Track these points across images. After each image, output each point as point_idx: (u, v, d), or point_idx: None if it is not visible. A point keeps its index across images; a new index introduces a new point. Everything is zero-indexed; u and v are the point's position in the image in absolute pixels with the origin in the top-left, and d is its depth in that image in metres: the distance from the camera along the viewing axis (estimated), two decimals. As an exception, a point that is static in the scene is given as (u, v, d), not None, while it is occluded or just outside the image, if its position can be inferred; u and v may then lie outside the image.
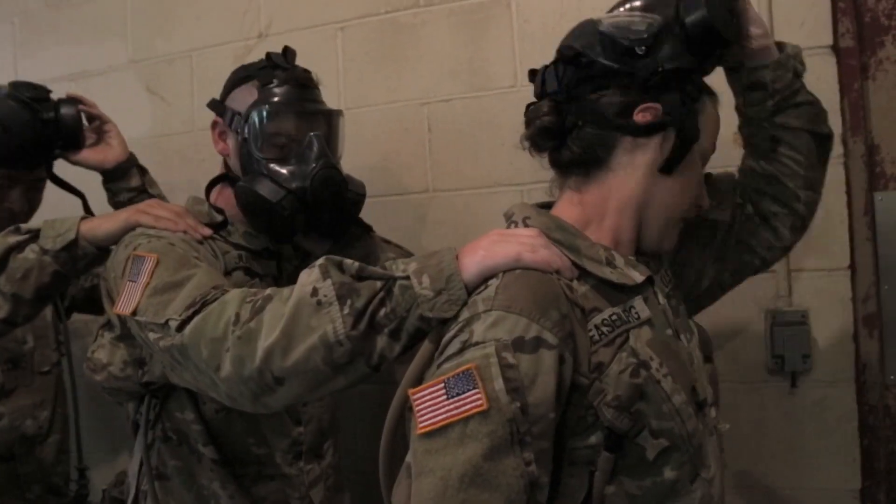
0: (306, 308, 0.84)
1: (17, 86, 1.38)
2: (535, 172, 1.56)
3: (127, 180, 1.51)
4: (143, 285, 1.00)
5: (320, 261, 0.87)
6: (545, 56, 1.01)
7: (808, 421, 1.47)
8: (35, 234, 1.16)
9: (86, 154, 1.46)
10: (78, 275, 1.23)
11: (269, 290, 0.91)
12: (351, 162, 1.37)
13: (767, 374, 1.48)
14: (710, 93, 0.96)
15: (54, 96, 1.93)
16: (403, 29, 1.72)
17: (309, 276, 0.86)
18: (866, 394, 1.45)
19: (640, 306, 0.87)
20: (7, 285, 1.14)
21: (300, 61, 1.78)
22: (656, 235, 0.94)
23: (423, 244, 1.68)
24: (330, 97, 1.38)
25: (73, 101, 1.44)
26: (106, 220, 1.18)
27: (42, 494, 1.55)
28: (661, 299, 0.93)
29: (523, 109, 1.01)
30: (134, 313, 0.99)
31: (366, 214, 1.66)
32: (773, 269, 1.44)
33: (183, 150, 1.92)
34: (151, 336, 0.97)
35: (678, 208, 0.94)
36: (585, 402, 0.79)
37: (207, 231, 1.19)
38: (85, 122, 1.49)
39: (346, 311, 0.83)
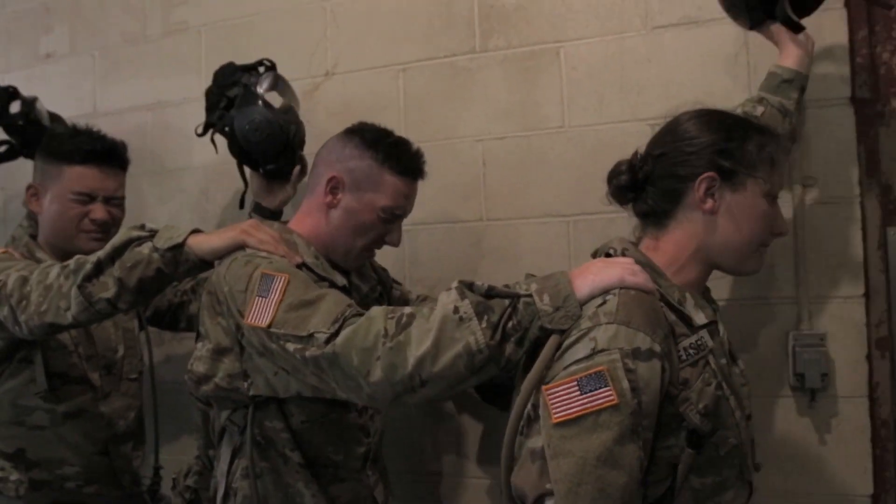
0: (450, 323, 1.02)
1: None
2: (581, 205, 1.78)
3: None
4: (276, 301, 1.16)
5: (455, 284, 1.05)
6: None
7: (826, 433, 1.63)
8: (153, 234, 1.32)
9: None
10: (177, 278, 1.35)
11: (408, 309, 1.08)
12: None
13: (790, 390, 1.65)
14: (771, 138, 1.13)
15: (132, 124, 2.16)
16: (461, 72, 1.90)
17: (448, 297, 1.04)
18: (878, 409, 1.61)
19: (706, 338, 1.05)
20: (118, 270, 1.29)
21: (365, 99, 1.98)
22: (733, 265, 1.13)
23: (477, 267, 1.86)
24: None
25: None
26: (213, 236, 1.31)
27: (129, 485, 1.71)
28: (722, 331, 1.11)
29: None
30: (269, 326, 1.14)
31: (425, 239, 1.85)
32: (796, 296, 1.63)
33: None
34: (290, 346, 1.12)
35: (745, 240, 1.10)
36: (672, 410, 0.98)
37: (299, 258, 1.33)
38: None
39: (484, 324, 1.00)
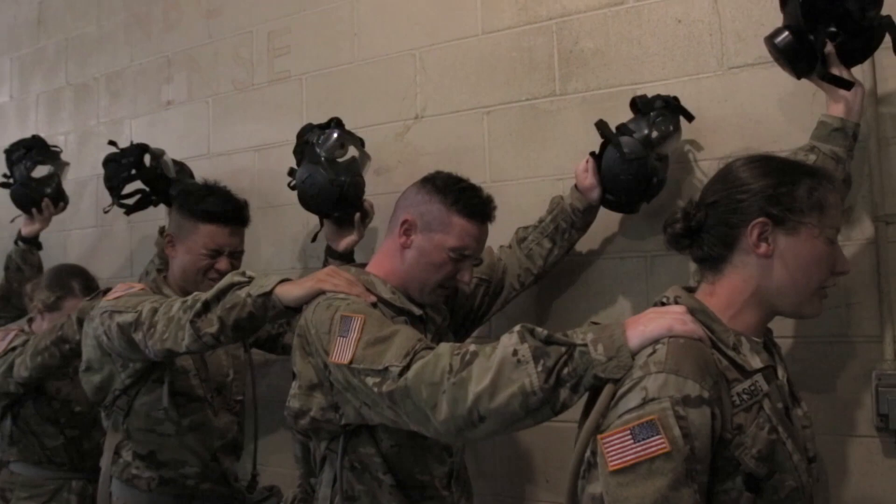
0: (508, 364, 1.10)
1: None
2: (659, 241, 1.82)
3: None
4: (355, 340, 1.28)
5: (517, 328, 1.14)
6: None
7: (913, 474, 1.61)
8: (251, 280, 1.49)
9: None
10: (265, 322, 1.52)
11: (472, 347, 1.18)
12: (495, 227, 1.63)
13: (875, 431, 1.63)
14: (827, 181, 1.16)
15: (240, 164, 2.37)
16: (542, 114, 1.99)
17: (510, 340, 1.13)
18: (969, 452, 1.58)
19: (761, 382, 1.09)
20: (220, 310, 1.47)
21: (451, 140, 2.10)
22: (792, 308, 1.16)
23: (557, 300, 1.94)
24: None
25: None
26: (297, 285, 1.46)
27: (234, 484, 1.98)
28: (781, 374, 1.15)
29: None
30: (350, 362, 1.27)
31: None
32: (879, 334, 1.61)
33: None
34: (369, 381, 1.24)
35: (802, 283, 1.13)
36: (727, 454, 1.02)
37: (373, 298, 1.45)
38: None
39: (540, 368, 1.08)
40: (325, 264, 2.01)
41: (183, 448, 1.86)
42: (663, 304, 1.17)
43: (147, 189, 2.36)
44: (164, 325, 1.53)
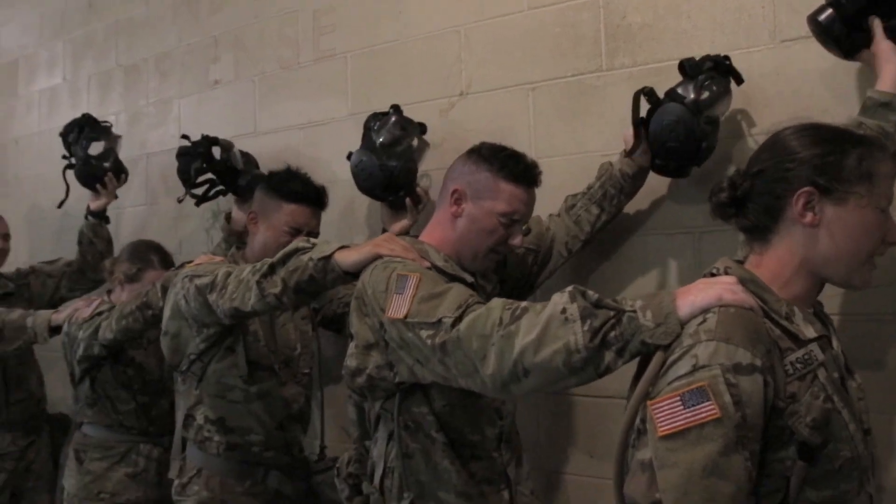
0: (555, 321, 1.12)
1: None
2: (707, 218, 1.80)
3: None
4: (410, 296, 1.33)
5: (570, 288, 1.16)
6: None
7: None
8: (313, 246, 1.54)
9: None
10: (325, 286, 1.57)
11: (524, 303, 1.20)
12: (540, 204, 1.66)
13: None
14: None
15: (286, 142, 2.45)
16: (588, 90, 1.99)
17: (560, 298, 1.15)
18: None
19: (816, 351, 1.08)
20: (284, 272, 1.53)
21: (496, 117, 2.11)
22: (841, 278, 1.15)
23: (604, 277, 1.94)
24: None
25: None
26: (355, 250, 1.51)
27: (297, 454, 2.08)
28: (836, 345, 1.14)
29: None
30: (405, 317, 1.32)
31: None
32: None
33: (395, 191, 2.28)
34: (423, 333, 1.28)
35: (850, 252, 1.12)
36: (781, 423, 1.02)
37: (427, 263, 1.49)
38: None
39: (586, 328, 1.10)
40: None
41: (250, 415, 1.95)
42: (713, 274, 1.17)
43: (216, 179, 2.46)
44: (235, 286, 1.61)
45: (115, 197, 2.81)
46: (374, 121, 2.10)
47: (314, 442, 2.17)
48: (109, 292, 2.46)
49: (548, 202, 1.84)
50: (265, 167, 2.55)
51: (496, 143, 1.61)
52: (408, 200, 2.08)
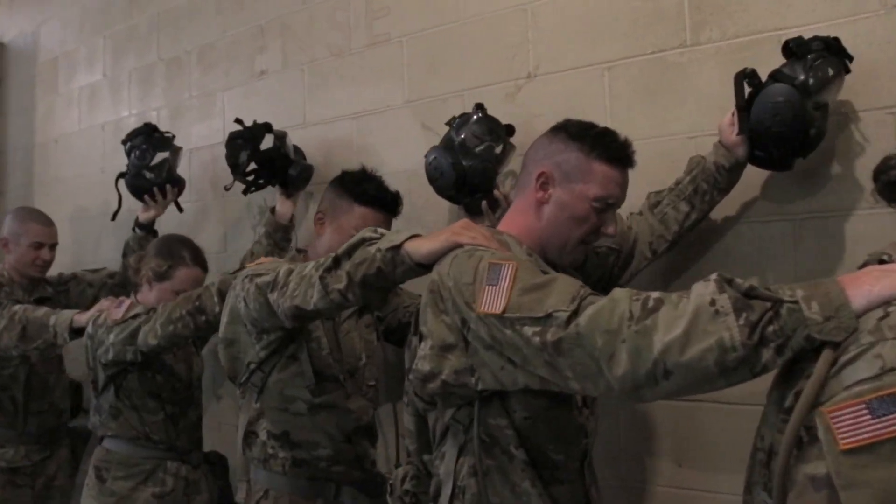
0: (705, 314, 0.97)
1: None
2: (808, 204, 1.65)
3: None
4: (507, 287, 1.15)
5: (714, 276, 1.00)
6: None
7: None
8: (380, 236, 1.39)
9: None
10: (394, 281, 1.41)
11: (654, 294, 1.05)
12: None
13: None
14: None
15: (337, 133, 2.37)
16: (670, 67, 1.83)
17: (706, 288, 0.99)
18: None
19: None
20: (349, 265, 1.38)
21: (568, 99, 1.96)
22: None
23: (691, 269, 1.78)
24: None
25: None
26: (429, 239, 1.35)
27: (369, 469, 1.91)
28: None
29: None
30: (503, 312, 1.14)
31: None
32: None
33: (454, 181, 2.14)
34: (527, 331, 1.11)
35: None
36: None
37: (508, 252, 1.33)
38: None
39: (742, 322, 0.94)
40: None
41: (316, 428, 1.80)
42: (882, 261, 1.01)
43: (267, 168, 2.33)
44: (296, 283, 1.47)
45: (163, 211, 2.69)
46: (454, 120, 1.97)
47: (380, 459, 2.04)
48: (135, 292, 2.27)
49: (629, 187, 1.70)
50: (314, 159, 2.44)
51: (582, 120, 1.46)
52: (484, 204, 1.92)
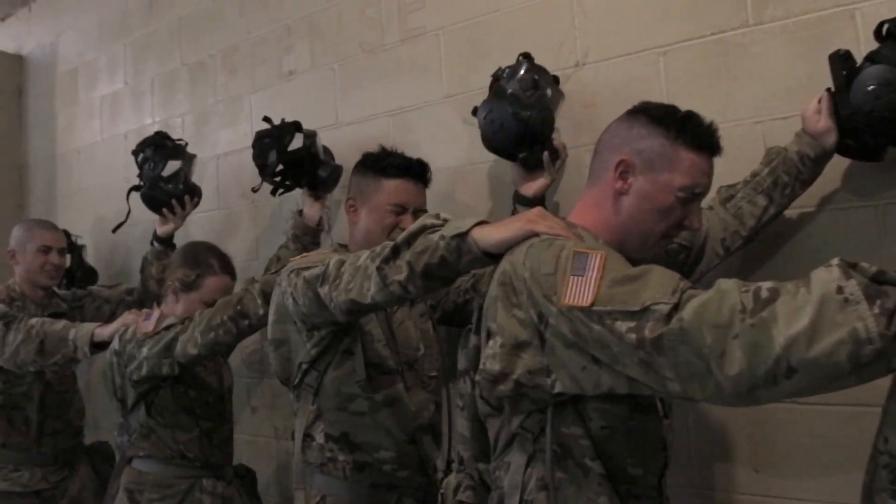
0: (832, 303, 0.87)
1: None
2: (892, 190, 1.54)
3: None
4: (596, 278, 1.05)
5: (836, 261, 0.90)
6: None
7: None
8: (445, 223, 1.29)
9: None
10: (459, 270, 1.30)
11: (766, 283, 0.94)
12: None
13: None
14: None
15: (373, 131, 2.28)
16: (732, 49, 1.73)
17: (829, 274, 0.89)
18: None
19: None
20: (409, 254, 1.28)
21: (621, 87, 1.86)
22: None
23: (765, 261, 1.68)
24: None
25: None
26: (500, 227, 1.24)
27: (433, 473, 1.80)
28: None
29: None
30: (592, 304, 1.04)
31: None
32: None
33: (501, 176, 2.04)
34: (621, 326, 1.01)
35: None
36: None
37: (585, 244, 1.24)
38: None
39: (877, 310, 0.84)
40: (514, 212, 1.82)
41: (377, 428, 1.70)
42: None
43: (295, 169, 2.24)
44: (351, 275, 1.37)
45: (181, 223, 2.60)
46: (502, 71, 1.88)
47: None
48: (158, 304, 2.15)
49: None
50: (348, 160, 2.34)
51: (663, 103, 1.35)
52: (545, 155, 1.81)
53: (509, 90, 1.82)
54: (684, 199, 1.28)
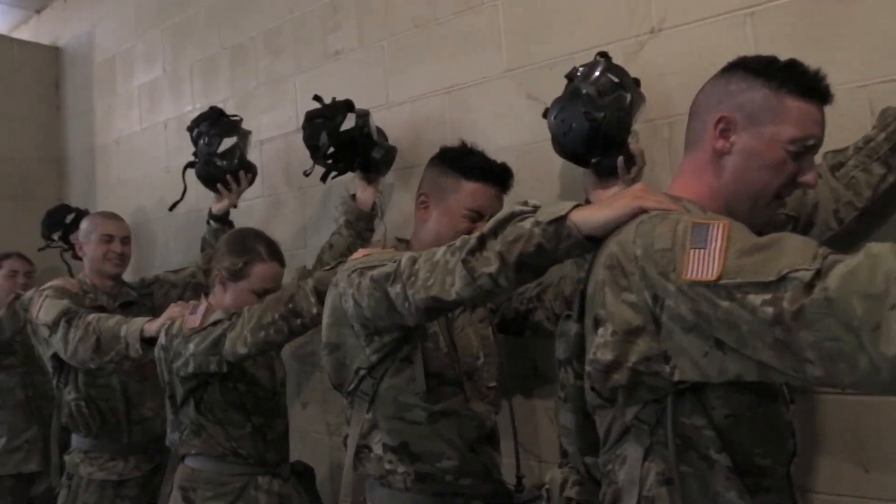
0: None
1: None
2: None
3: None
4: (720, 249, 0.95)
5: None
6: None
7: None
8: (536, 209, 1.19)
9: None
10: (557, 257, 1.21)
11: None
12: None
13: None
14: None
15: (427, 111, 2.15)
16: (830, 6, 1.57)
17: None
18: None
19: None
20: (499, 244, 1.19)
21: (702, 54, 1.71)
22: None
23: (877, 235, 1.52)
24: None
25: None
26: (602, 208, 1.15)
27: (497, 481, 1.70)
28: None
29: None
30: (719, 278, 0.93)
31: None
32: None
33: (568, 154, 1.91)
34: (754, 299, 0.90)
35: None
36: None
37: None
38: None
39: None
40: None
41: (437, 437, 1.59)
42: None
43: (348, 150, 2.12)
44: (428, 271, 1.26)
45: (237, 199, 2.51)
46: (576, 70, 1.72)
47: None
48: (206, 294, 2.07)
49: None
50: (400, 142, 2.23)
51: (758, 55, 1.23)
52: (620, 160, 1.66)
53: (584, 90, 1.68)
54: (795, 153, 1.16)
